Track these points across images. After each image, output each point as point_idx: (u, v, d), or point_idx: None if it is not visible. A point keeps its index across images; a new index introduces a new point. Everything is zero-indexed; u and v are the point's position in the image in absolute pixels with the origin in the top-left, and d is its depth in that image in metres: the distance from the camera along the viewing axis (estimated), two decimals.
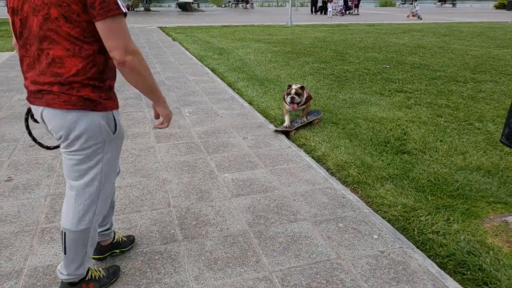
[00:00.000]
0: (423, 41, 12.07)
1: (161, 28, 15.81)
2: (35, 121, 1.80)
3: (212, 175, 3.26)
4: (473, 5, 48.77)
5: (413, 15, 23.27)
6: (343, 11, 26.09)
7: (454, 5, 40.57)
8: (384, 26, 17.22)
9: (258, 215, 2.67)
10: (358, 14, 26.17)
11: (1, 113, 4.77)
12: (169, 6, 35.87)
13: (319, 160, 3.61)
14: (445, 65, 8.18)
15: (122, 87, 6.10)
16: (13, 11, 1.56)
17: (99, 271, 1.99)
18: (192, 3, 29.49)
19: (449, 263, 2.26)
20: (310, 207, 2.78)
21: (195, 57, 9.00)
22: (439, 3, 41.99)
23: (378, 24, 18.62)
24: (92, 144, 1.65)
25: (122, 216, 2.63)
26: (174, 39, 12.21)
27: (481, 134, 4.24)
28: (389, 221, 2.67)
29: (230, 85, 6.37)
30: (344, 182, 3.20)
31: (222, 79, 6.80)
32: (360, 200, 2.92)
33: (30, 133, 1.92)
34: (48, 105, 1.59)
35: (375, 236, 2.47)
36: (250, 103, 5.35)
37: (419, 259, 2.25)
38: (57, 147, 1.91)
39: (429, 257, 2.31)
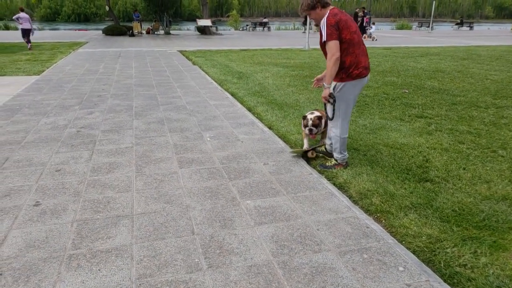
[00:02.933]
0: (441, 65, 12.04)
1: (181, 51, 16.16)
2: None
3: (234, 201, 3.28)
4: (490, 27, 48.57)
5: (369, 37, 23.50)
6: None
7: (471, 28, 40.43)
8: (401, 50, 17.26)
9: (281, 244, 2.67)
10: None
11: (29, 137, 4.92)
12: (188, 30, 36.73)
13: (341, 187, 3.60)
14: (465, 90, 8.13)
15: (145, 112, 6.24)
16: (354, 32, 3.54)
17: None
18: (211, 26, 30.10)
19: None
20: (334, 237, 2.77)
21: (215, 81, 9.16)
22: (456, 26, 41.95)
23: (395, 47, 18.67)
24: None
25: (147, 243, 2.67)
26: (194, 63, 12.46)
27: (505, 162, 4.17)
28: (414, 252, 2.64)
29: (249, 109, 6.44)
30: (367, 211, 3.18)
31: (242, 103, 6.89)
32: (384, 230, 2.90)
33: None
34: (369, 72, 3.74)
35: (401, 268, 2.43)
36: (270, 128, 5.40)
37: None
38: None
39: None
